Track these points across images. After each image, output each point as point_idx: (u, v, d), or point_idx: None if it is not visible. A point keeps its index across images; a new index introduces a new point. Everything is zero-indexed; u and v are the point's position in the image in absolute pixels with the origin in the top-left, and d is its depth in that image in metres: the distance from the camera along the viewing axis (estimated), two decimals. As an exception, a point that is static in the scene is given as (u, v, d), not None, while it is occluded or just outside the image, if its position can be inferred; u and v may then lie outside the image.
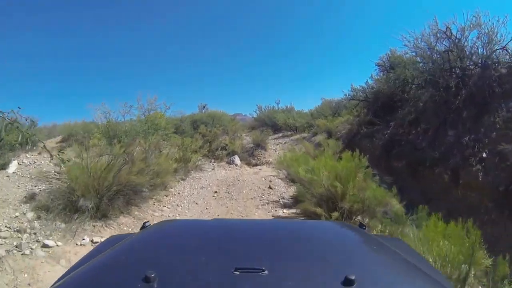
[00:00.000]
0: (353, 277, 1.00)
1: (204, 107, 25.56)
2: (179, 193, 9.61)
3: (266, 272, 1.07)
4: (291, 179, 9.61)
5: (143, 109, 13.54)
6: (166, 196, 9.00)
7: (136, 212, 6.94)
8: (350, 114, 16.31)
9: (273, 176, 11.49)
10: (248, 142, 18.02)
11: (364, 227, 1.87)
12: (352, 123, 14.74)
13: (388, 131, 11.15)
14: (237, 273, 1.07)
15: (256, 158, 16.06)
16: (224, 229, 1.71)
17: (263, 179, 11.70)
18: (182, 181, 10.96)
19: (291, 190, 9.52)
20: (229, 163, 14.41)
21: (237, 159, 14.55)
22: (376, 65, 14.03)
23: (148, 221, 1.91)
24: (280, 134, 21.76)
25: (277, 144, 18.30)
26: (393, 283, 1.12)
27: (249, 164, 15.06)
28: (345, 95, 15.91)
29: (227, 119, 22.86)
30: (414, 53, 10.91)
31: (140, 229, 1.81)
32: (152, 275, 1.02)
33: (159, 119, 13.27)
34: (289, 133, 21.64)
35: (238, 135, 22.25)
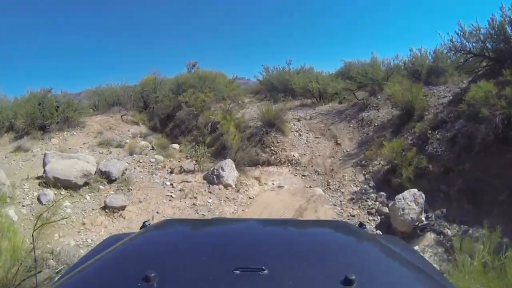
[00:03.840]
0: (353, 277, 0.99)
1: (193, 66, 19.06)
2: None
3: (266, 271, 1.06)
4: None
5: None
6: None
7: None
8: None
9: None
10: (251, 117, 12.35)
11: (364, 226, 1.85)
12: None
13: None
14: (237, 272, 1.05)
15: (268, 151, 10.44)
16: (224, 229, 1.73)
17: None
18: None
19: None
20: (210, 181, 8.04)
21: (227, 171, 8.09)
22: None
23: (148, 221, 1.90)
24: (297, 103, 15.93)
25: (299, 120, 12.47)
26: (393, 283, 1.12)
27: (254, 166, 9.41)
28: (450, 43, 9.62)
29: (223, 81, 16.93)
30: None
31: (140, 229, 1.80)
32: (152, 275, 1.01)
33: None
34: (309, 101, 15.73)
35: (240, 102, 16.49)
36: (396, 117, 9.54)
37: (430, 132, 7.83)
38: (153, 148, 11.65)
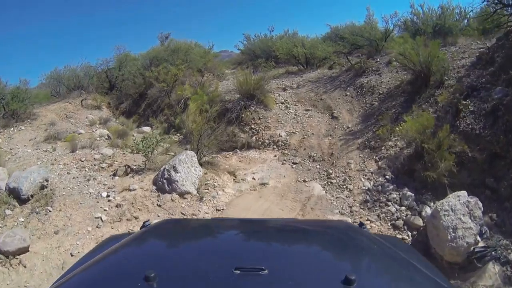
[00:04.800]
0: (353, 277, 0.97)
1: (166, 37, 16.58)
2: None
3: (266, 271, 1.04)
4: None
5: None
6: None
7: None
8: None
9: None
10: (229, 90, 10.25)
11: (364, 226, 1.81)
12: None
13: None
14: (237, 272, 1.03)
15: (247, 130, 8.37)
16: (225, 229, 1.70)
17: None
18: None
19: None
20: (160, 187, 5.63)
21: (183, 171, 5.61)
22: None
23: (148, 220, 1.85)
24: (282, 71, 13.86)
25: (284, 90, 10.39)
26: (393, 282, 1.11)
27: (232, 151, 7.47)
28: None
29: (198, 52, 14.56)
30: None
31: (140, 228, 1.77)
32: (152, 275, 1.00)
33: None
34: (294, 68, 13.65)
35: (219, 74, 14.33)
36: (406, 83, 7.54)
37: (462, 102, 5.90)
38: (109, 138, 9.33)
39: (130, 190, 5.82)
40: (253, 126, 8.53)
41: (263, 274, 1.03)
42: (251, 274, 1.04)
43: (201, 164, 6.24)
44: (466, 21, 11.76)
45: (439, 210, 3.90)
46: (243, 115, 8.89)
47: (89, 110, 11.82)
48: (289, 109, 8.95)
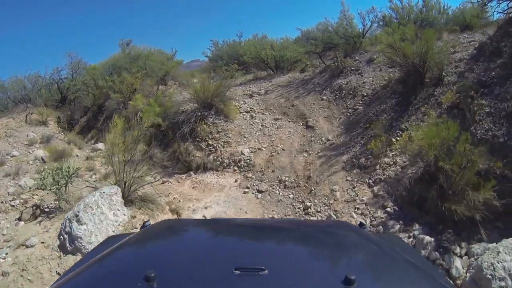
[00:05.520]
0: (353, 277, 0.95)
1: (127, 44, 14.91)
2: None
3: (266, 271, 1.02)
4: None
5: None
6: None
7: None
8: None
9: None
10: (185, 99, 8.60)
11: (364, 226, 1.78)
12: None
13: None
14: (237, 272, 1.01)
15: (204, 147, 6.71)
16: (225, 229, 1.67)
17: None
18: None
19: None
20: (63, 246, 3.68)
21: (93, 220, 3.73)
22: None
23: (148, 220, 1.86)
24: (250, 77, 12.48)
25: (251, 97, 8.86)
26: (393, 282, 1.08)
27: (185, 173, 5.85)
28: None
29: (158, 59, 12.64)
30: None
31: (140, 228, 1.76)
32: (152, 275, 0.98)
33: None
34: (263, 73, 12.10)
35: (184, 83, 12.72)
36: (396, 82, 6.12)
37: (476, 102, 4.48)
38: (43, 161, 7.35)
39: (27, 246, 3.97)
40: (210, 142, 6.84)
41: (263, 274, 1.01)
42: (251, 274, 1.01)
43: (131, 202, 4.46)
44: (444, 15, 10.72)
45: (489, 277, 2.34)
46: (198, 128, 7.21)
47: (33, 126, 9.73)
48: (255, 118, 7.35)
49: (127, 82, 9.83)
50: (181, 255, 1.24)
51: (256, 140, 6.34)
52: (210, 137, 6.96)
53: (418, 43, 5.45)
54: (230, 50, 15.60)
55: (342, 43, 9.93)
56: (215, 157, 6.47)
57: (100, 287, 1.05)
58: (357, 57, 8.57)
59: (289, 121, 6.88)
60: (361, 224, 1.79)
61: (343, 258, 1.24)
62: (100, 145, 8.80)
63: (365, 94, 6.40)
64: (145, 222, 1.78)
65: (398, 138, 4.42)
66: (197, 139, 7.13)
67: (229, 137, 6.68)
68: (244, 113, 7.81)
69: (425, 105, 5.15)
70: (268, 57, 12.19)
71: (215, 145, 6.71)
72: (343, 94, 6.98)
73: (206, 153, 6.70)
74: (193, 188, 5.95)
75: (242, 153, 6.03)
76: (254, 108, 8.04)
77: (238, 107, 8.15)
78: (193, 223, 2.08)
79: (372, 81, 6.71)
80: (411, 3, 10.46)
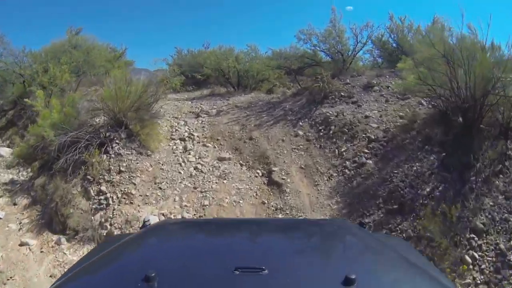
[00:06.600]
0: (353, 277, 0.95)
1: (77, 33, 11.96)
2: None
3: (266, 271, 1.01)
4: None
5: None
6: None
7: None
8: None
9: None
10: (98, 108, 5.62)
11: (365, 226, 1.77)
12: None
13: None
14: (237, 272, 1.00)
15: (93, 193, 3.76)
16: (224, 229, 1.66)
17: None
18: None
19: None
20: None
21: None
22: None
23: (148, 220, 1.86)
24: (207, 92, 9.93)
25: (197, 117, 6.09)
26: (394, 282, 1.08)
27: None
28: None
29: (100, 55, 10.16)
30: None
31: (140, 228, 1.70)
32: (152, 275, 0.97)
33: None
34: (223, 90, 10.04)
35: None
36: (427, 123, 3.67)
37: None
38: None
39: None
40: (103, 188, 3.94)
41: (263, 274, 1.00)
42: (251, 274, 1.01)
43: None
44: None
45: None
46: (94, 160, 4.29)
47: None
48: (189, 153, 4.59)
49: (49, 74, 7.71)
50: (181, 255, 1.21)
51: (178, 197, 3.62)
52: (106, 178, 4.06)
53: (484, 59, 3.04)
54: (192, 60, 13.91)
55: (326, 62, 7.58)
56: (103, 219, 3.57)
57: (100, 287, 1.03)
58: (348, 80, 6.18)
59: (241, 166, 4.27)
60: (361, 224, 1.79)
61: (343, 258, 1.23)
62: (4, 150, 6.65)
63: (373, 137, 3.91)
64: (145, 222, 1.84)
65: (479, 258, 1.83)
66: (88, 177, 4.20)
67: (134, 183, 3.85)
68: (177, 141, 5.06)
69: (501, 175, 2.66)
70: (230, 69, 9.65)
71: (108, 195, 3.81)
72: (331, 132, 4.49)
73: (93, 207, 3.79)
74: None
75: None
76: (195, 134, 5.29)
77: (171, 131, 5.37)
78: (193, 223, 2.05)
79: (381, 116, 4.25)
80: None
